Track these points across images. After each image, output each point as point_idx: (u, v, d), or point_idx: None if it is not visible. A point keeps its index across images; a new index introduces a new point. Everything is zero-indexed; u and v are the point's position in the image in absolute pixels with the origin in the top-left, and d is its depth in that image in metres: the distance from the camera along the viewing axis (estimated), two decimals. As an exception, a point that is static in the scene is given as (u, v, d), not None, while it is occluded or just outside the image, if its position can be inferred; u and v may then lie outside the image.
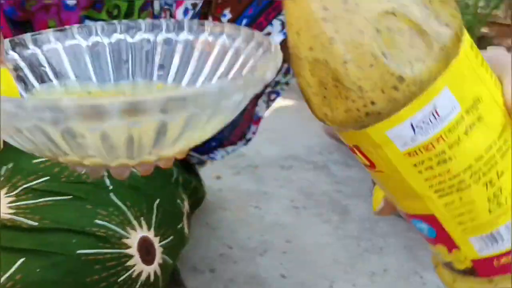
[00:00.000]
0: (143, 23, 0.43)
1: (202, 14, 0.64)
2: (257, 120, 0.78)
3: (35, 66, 0.41)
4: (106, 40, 0.43)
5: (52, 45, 0.42)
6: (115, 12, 0.64)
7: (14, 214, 0.51)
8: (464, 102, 0.27)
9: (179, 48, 0.42)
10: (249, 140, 0.80)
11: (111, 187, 0.56)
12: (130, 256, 0.53)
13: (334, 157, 1.15)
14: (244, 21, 0.62)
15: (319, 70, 0.27)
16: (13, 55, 0.40)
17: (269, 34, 0.63)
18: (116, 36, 0.43)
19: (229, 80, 0.37)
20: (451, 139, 0.27)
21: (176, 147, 0.33)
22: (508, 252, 0.29)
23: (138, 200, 0.57)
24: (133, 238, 0.54)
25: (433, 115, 0.26)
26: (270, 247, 0.88)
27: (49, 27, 0.54)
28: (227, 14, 0.63)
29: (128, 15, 0.64)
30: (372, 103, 0.26)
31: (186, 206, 0.67)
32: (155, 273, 0.55)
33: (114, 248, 0.52)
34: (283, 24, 0.62)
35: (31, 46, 0.41)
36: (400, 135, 0.27)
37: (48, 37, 0.42)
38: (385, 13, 0.26)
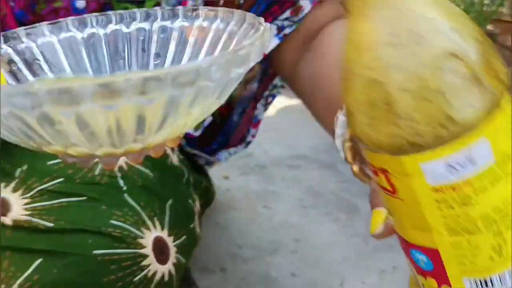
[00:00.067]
0: (138, 12, 0.42)
1: None
2: (256, 123, 0.78)
3: (29, 60, 0.40)
4: (101, 31, 0.42)
5: (46, 38, 0.41)
6: None
7: (30, 215, 0.51)
8: (499, 155, 0.28)
9: (174, 36, 0.41)
10: (249, 143, 0.80)
11: (125, 188, 0.56)
12: (145, 256, 0.53)
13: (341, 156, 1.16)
14: None
15: (373, 90, 0.27)
16: (7, 49, 0.40)
17: None
18: (111, 27, 0.42)
19: (206, 58, 0.37)
20: (478, 186, 0.28)
21: (160, 134, 0.32)
22: None
23: (151, 200, 0.58)
24: (148, 238, 0.54)
25: (468, 160, 0.27)
26: (280, 247, 0.89)
27: None
28: None
29: None
30: (419, 135, 0.27)
31: (197, 206, 0.68)
32: (169, 272, 0.56)
33: (130, 248, 0.52)
34: (279, 29, 0.63)
35: (25, 39, 0.41)
36: (433, 170, 0.28)
37: (42, 30, 0.41)
38: (450, 53, 0.27)
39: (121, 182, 0.57)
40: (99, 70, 0.42)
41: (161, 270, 0.55)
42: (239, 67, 0.31)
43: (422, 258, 0.31)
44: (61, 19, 0.42)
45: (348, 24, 0.29)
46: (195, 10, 0.41)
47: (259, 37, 0.33)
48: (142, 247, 0.53)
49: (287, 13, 0.62)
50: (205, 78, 0.29)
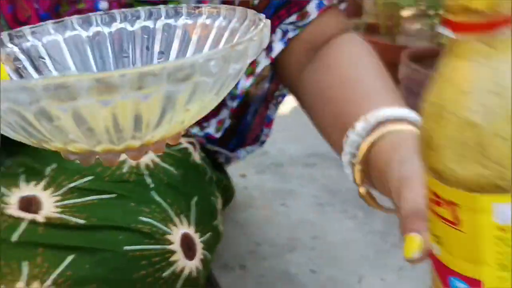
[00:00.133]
0: (142, 11, 0.43)
1: None
2: (269, 122, 0.79)
3: (34, 58, 0.41)
4: (106, 30, 0.42)
5: (52, 37, 0.41)
6: None
7: (61, 213, 0.52)
8: None
9: (178, 33, 0.42)
10: (263, 142, 0.81)
11: (152, 186, 0.57)
12: (173, 252, 0.54)
13: (356, 154, 1.16)
14: None
15: (469, 131, 0.29)
16: (12, 47, 0.40)
17: (271, 41, 0.64)
18: (116, 25, 0.43)
19: (202, 53, 0.37)
20: None
21: (159, 131, 0.32)
22: None
23: (177, 198, 0.59)
24: (175, 234, 0.55)
25: None
26: (298, 244, 0.89)
27: None
28: None
29: None
30: (504, 179, 0.29)
31: (219, 203, 0.69)
32: (196, 268, 0.57)
33: (159, 244, 0.53)
34: (283, 33, 0.63)
35: (30, 38, 0.41)
36: (503, 211, 0.30)
37: (47, 28, 0.41)
38: None
39: (148, 180, 0.58)
40: (104, 69, 0.42)
41: (189, 266, 0.55)
42: (237, 63, 0.31)
43: (462, 286, 0.32)
44: (66, 18, 0.42)
45: (447, 61, 0.30)
46: (198, 7, 0.41)
47: (257, 33, 0.33)
48: (170, 243, 0.54)
49: (293, 17, 0.62)
50: (201, 73, 0.29)
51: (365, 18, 1.62)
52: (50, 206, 0.53)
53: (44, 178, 0.56)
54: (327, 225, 0.95)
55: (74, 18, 0.42)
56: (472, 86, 0.29)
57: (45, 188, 0.55)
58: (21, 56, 0.40)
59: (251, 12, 0.38)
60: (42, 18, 0.65)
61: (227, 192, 0.78)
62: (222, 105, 0.70)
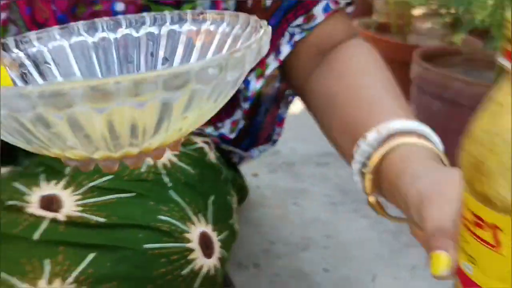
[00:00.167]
0: (147, 17, 0.43)
1: None
2: (281, 121, 0.79)
3: (40, 64, 0.41)
4: (112, 36, 0.42)
5: (57, 42, 0.41)
6: None
7: (82, 211, 0.53)
8: None
9: (182, 40, 0.41)
10: (275, 141, 0.82)
11: (169, 185, 0.58)
12: (191, 250, 0.55)
13: (367, 154, 1.16)
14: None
15: None
16: (18, 52, 0.40)
17: (279, 44, 0.64)
18: (121, 31, 0.42)
19: (199, 61, 0.36)
20: None
21: (156, 138, 0.32)
22: None
23: (195, 197, 0.59)
24: (193, 232, 0.56)
25: None
26: (312, 243, 0.90)
27: None
28: None
29: None
30: None
31: (235, 202, 0.69)
32: (214, 266, 0.57)
33: (177, 242, 0.54)
34: (290, 36, 0.64)
35: (36, 43, 0.41)
36: None
37: (53, 34, 0.41)
38: None
39: (166, 179, 0.58)
40: (109, 74, 0.42)
41: (207, 264, 0.56)
42: (234, 70, 0.31)
43: None
44: (72, 23, 0.42)
45: (504, 89, 0.30)
46: (202, 13, 0.41)
47: (256, 41, 0.32)
48: (189, 241, 0.55)
49: (299, 20, 0.62)
50: (197, 80, 0.29)
51: (376, 17, 1.62)
52: (70, 205, 0.54)
53: (64, 178, 0.56)
54: (339, 224, 0.95)
55: (80, 24, 0.42)
56: None
57: (65, 187, 0.56)
58: (27, 62, 0.40)
59: (253, 19, 0.38)
60: (60, 20, 0.66)
61: (241, 191, 0.79)
62: (236, 106, 0.70)
